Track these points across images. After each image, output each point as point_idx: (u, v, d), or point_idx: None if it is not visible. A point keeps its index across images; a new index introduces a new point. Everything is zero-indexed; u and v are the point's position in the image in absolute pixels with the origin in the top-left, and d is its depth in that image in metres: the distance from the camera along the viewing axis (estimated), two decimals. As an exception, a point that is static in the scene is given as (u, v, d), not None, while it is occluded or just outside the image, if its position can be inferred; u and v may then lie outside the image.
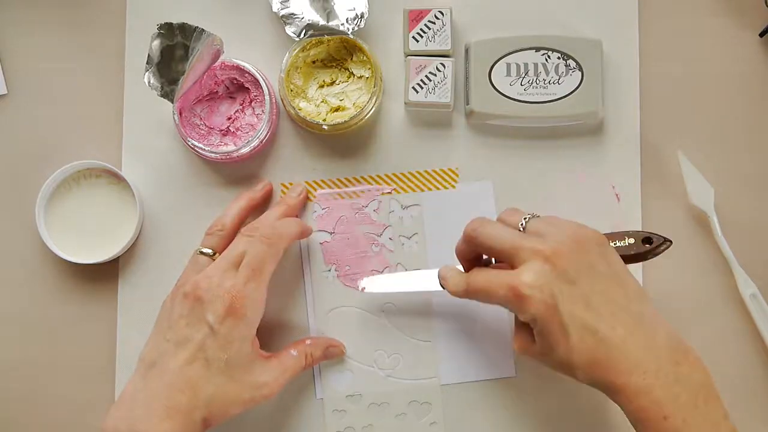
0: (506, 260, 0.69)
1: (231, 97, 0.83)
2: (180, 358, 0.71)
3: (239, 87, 0.82)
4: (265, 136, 0.81)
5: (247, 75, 0.81)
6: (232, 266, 0.74)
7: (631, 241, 0.73)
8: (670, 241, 0.73)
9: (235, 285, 0.72)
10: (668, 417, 0.64)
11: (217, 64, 0.81)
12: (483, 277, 0.70)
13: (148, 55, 0.76)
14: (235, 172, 0.83)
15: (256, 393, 0.73)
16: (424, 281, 0.79)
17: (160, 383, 0.71)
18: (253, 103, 0.82)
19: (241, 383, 0.73)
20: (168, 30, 0.76)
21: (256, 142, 0.80)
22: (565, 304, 0.66)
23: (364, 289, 0.81)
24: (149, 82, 0.77)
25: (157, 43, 0.76)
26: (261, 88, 0.81)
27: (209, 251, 0.77)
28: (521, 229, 0.70)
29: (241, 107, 0.82)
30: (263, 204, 0.83)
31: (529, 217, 0.71)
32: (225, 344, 0.71)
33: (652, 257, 0.74)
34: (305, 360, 0.78)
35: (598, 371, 0.66)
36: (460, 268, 0.75)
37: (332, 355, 0.81)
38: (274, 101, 0.81)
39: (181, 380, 0.71)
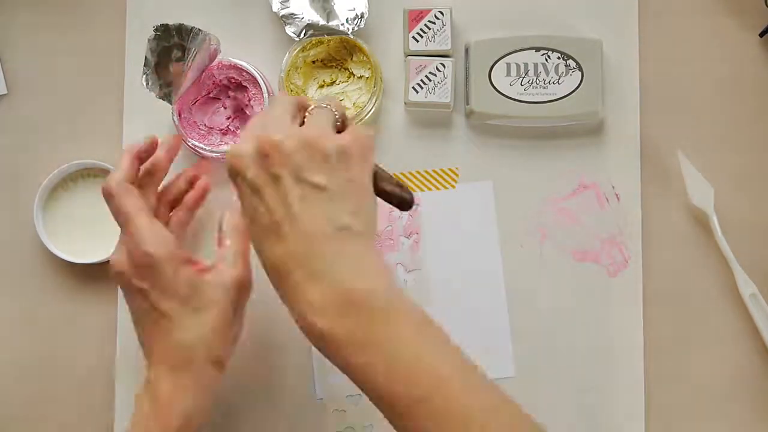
0: None
1: (230, 97, 0.83)
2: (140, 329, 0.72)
3: (238, 86, 0.82)
4: None
5: (244, 74, 0.81)
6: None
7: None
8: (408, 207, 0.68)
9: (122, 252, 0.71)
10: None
11: (214, 64, 0.81)
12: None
13: (146, 57, 0.76)
14: (235, 172, 0.83)
15: (235, 299, 0.71)
16: None
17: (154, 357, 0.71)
18: (252, 102, 0.82)
19: (212, 304, 0.70)
20: (164, 31, 0.76)
21: None
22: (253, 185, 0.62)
23: None
24: (147, 85, 0.77)
25: (154, 44, 0.76)
26: (259, 86, 0.81)
27: None
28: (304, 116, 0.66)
29: (242, 106, 0.82)
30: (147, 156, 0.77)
31: (314, 107, 0.66)
32: (165, 293, 0.70)
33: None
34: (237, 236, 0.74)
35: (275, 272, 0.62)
36: None
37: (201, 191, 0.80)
38: (272, 97, 0.81)
39: (170, 347, 0.70)
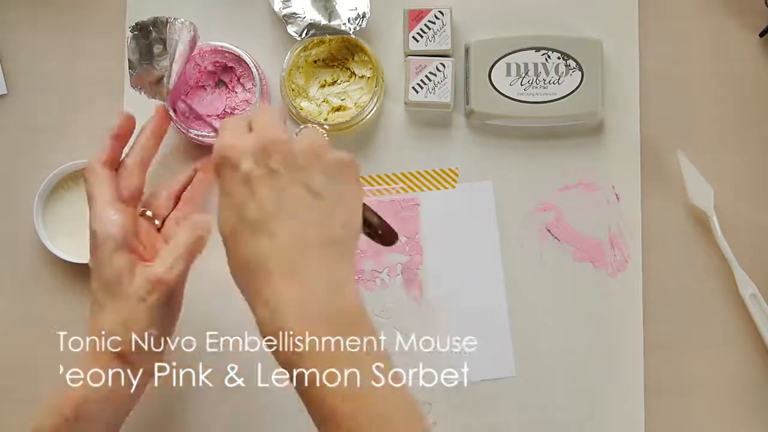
0: None
1: (219, 81, 0.83)
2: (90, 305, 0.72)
3: (224, 68, 0.82)
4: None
5: (228, 54, 0.82)
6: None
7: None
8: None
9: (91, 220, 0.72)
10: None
11: (196, 52, 0.81)
12: None
13: (129, 60, 0.77)
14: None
15: (151, 295, 0.69)
16: None
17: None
18: (241, 80, 0.82)
19: (131, 295, 0.70)
20: (141, 29, 0.77)
21: None
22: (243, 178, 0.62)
23: None
24: (135, 87, 0.77)
25: (133, 44, 0.77)
26: (244, 62, 0.81)
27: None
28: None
29: (231, 86, 0.82)
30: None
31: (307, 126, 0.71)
32: (97, 272, 0.71)
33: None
34: (194, 233, 0.72)
35: (240, 270, 0.62)
36: None
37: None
38: (260, 71, 0.81)
39: (90, 326, 0.71)
